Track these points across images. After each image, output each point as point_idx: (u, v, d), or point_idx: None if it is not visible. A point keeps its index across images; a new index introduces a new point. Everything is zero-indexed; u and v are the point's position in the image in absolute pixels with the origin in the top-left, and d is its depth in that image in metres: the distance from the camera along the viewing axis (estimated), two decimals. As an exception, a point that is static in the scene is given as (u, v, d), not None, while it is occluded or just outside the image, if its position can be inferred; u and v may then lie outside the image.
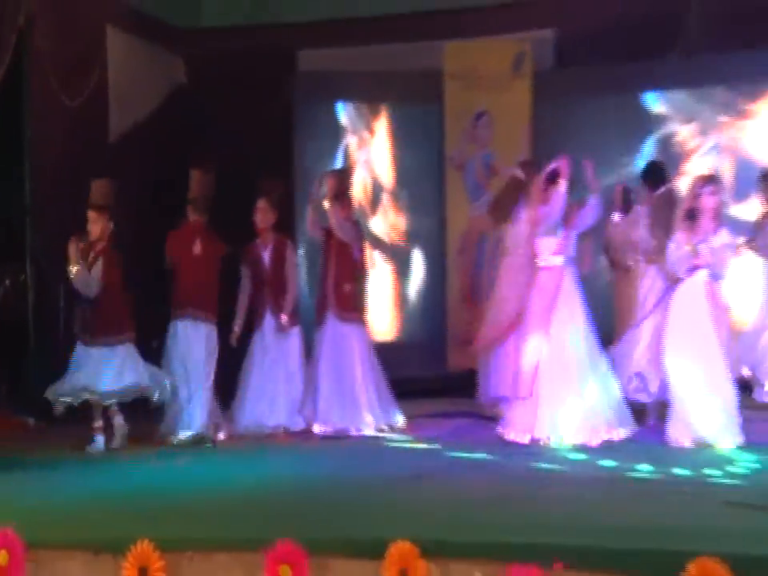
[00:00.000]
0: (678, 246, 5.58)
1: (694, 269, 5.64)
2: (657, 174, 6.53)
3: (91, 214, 5.91)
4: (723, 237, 5.86)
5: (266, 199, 6.35)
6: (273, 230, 6.40)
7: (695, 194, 5.60)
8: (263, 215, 6.28)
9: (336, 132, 8.53)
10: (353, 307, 6.40)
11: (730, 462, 5.18)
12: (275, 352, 6.33)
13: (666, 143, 8.04)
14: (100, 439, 5.94)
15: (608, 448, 5.84)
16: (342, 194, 6.43)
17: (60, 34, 7.31)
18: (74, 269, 5.86)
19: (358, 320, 6.40)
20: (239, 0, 8.73)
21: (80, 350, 6.08)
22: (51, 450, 5.91)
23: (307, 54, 8.75)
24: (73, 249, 5.89)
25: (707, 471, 4.93)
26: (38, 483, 5.07)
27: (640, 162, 7.48)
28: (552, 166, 6.23)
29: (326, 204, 6.38)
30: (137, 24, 8.26)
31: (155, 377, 5.99)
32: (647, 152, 7.88)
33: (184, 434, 6.00)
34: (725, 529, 4.05)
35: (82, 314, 6.03)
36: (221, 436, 6.16)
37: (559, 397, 5.70)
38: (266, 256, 6.31)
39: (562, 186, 6.13)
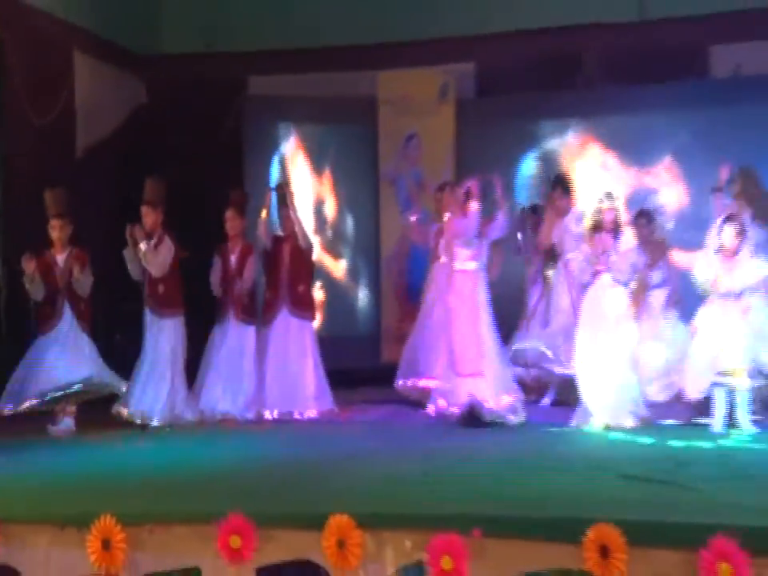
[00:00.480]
0: (584, 255, 5.70)
1: (596, 274, 5.79)
2: (565, 188, 6.59)
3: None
4: (624, 247, 6.19)
5: (234, 208, 6.29)
6: (241, 236, 6.32)
7: (597, 209, 5.71)
8: (232, 223, 6.24)
9: (281, 150, 8.36)
10: (306, 305, 6.40)
11: (629, 440, 5.23)
12: (234, 344, 6.22)
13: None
14: (68, 421, 5.78)
15: (524, 426, 5.84)
16: (290, 203, 6.42)
17: (31, 59, 7.06)
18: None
19: (309, 317, 6.39)
20: (196, 30, 8.47)
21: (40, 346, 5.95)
22: (21, 433, 5.65)
23: (256, 79, 8.56)
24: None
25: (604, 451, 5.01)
26: (8, 464, 4.86)
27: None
28: (466, 185, 6.27)
29: (292, 214, 6.32)
30: (103, 50, 8.09)
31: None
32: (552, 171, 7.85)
33: (128, 411, 5.84)
34: (620, 498, 4.02)
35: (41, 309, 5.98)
36: (189, 417, 5.99)
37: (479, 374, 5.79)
38: (233, 259, 6.25)
39: (475, 202, 6.21)
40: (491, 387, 5.77)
